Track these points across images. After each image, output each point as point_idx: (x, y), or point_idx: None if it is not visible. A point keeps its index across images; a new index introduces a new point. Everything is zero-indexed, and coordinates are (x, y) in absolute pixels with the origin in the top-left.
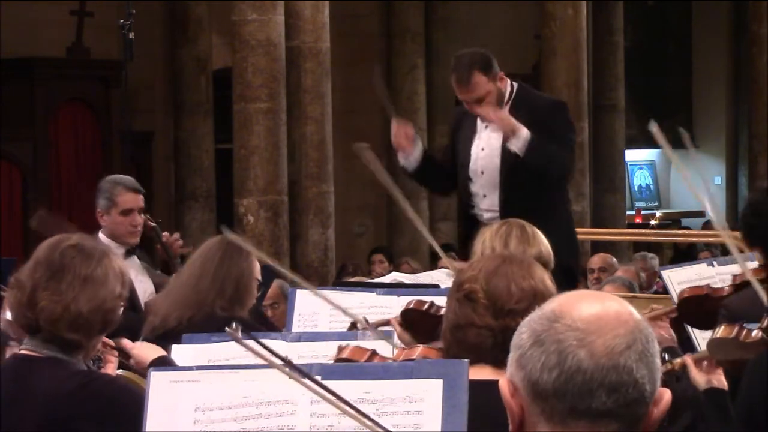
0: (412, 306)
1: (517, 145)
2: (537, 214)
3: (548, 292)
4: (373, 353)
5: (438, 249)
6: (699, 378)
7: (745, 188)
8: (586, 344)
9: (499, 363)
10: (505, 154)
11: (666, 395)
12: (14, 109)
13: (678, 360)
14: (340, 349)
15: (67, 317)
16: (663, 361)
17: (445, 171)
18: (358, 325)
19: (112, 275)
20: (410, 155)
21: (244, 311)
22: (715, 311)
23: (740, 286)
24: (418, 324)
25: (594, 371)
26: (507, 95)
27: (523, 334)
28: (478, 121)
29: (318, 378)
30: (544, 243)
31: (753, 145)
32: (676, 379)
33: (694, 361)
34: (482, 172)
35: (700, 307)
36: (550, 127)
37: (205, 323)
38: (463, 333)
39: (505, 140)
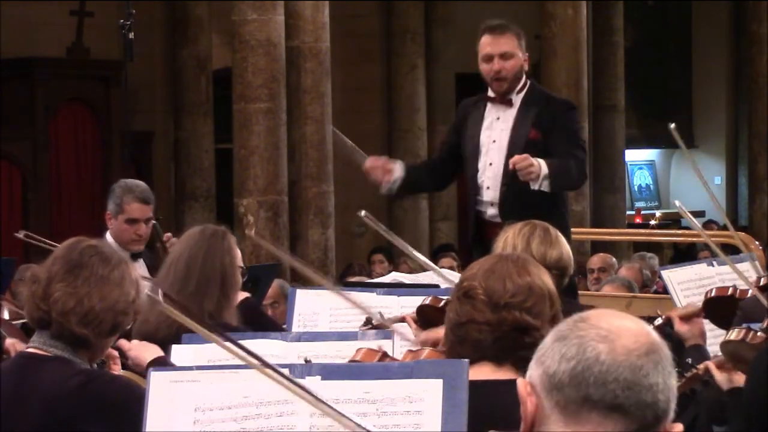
0: (428, 302)
1: (543, 185)
2: (535, 210)
3: (545, 286)
4: (384, 355)
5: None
6: (721, 379)
7: (745, 188)
8: (607, 341)
9: (500, 360)
10: (512, 148)
11: (677, 428)
12: (14, 109)
13: (701, 366)
14: (356, 352)
15: (79, 311)
16: (689, 367)
17: (433, 173)
18: (373, 321)
19: (128, 280)
20: (391, 182)
21: (231, 305)
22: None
23: (764, 288)
24: (433, 321)
25: (611, 365)
26: (521, 84)
27: (546, 339)
28: (487, 112)
29: (314, 378)
30: (565, 247)
31: (753, 145)
32: (704, 383)
33: (715, 365)
34: (490, 164)
35: (724, 308)
36: (564, 123)
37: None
38: (464, 330)
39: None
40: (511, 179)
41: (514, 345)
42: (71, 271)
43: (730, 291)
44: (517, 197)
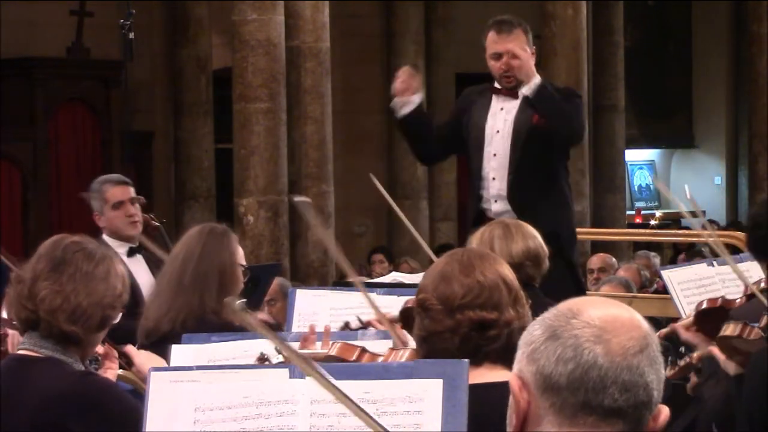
0: (410, 305)
1: (529, 89)
2: (543, 199)
3: (494, 275)
4: (362, 350)
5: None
6: (725, 363)
7: (745, 188)
8: (602, 341)
9: (475, 362)
10: (517, 135)
11: (664, 411)
12: (14, 109)
13: (695, 354)
14: (332, 346)
15: (67, 308)
16: (681, 355)
17: (432, 137)
18: (351, 325)
19: (113, 274)
20: (406, 104)
21: None
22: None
23: (751, 296)
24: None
25: (609, 368)
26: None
27: (535, 330)
28: (493, 103)
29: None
30: (531, 240)
31: (753, 145)
32: (697, 371)
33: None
34: (495, 155)
35: (715, 319)
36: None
37: (197, 328)
38: (430, 343)
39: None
40: (518, 169)
41: (479, 343)
42: (56, 268)
43: (720, 302)
44: (525, 187)
